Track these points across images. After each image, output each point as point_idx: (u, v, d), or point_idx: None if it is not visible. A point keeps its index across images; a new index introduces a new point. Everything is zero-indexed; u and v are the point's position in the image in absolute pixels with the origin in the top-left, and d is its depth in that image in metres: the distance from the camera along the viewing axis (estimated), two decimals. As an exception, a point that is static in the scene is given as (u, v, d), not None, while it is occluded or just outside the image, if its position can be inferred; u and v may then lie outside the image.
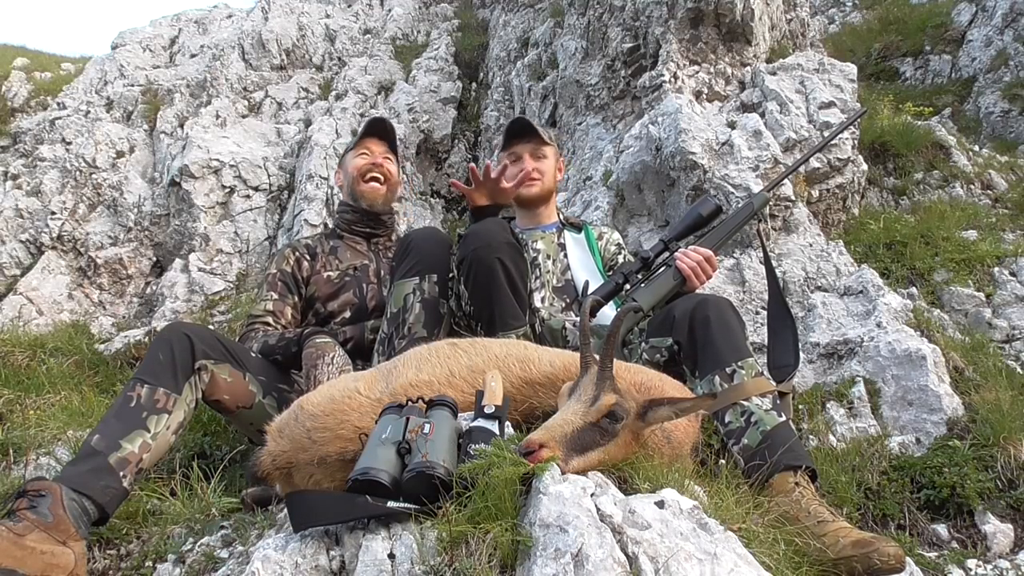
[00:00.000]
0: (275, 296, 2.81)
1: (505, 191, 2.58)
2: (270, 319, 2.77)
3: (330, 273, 2.89)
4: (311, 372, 2.35)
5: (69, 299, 6.03)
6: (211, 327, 4.17)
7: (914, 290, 3.71)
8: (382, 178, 3.00)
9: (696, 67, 4.81)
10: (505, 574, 1.29)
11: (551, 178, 2.92)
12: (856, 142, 4.31)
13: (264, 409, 2.40)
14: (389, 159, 3.04)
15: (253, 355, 2.54)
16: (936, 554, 2.22)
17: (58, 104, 8.04)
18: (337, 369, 2.36)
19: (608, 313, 2.49)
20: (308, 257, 2.93)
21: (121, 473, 1.97)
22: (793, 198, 3.94)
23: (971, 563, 2.14)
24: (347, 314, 2.82)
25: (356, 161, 3.02)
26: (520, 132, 2.90)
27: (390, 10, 9.36)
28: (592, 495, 1.39)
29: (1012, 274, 3.71)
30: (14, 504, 1.81)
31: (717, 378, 2.07)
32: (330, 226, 5.81)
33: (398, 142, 3.14)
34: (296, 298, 2.85)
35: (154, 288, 6.12)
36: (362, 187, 2.99)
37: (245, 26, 8.63)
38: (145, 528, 2.07)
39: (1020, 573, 2.10)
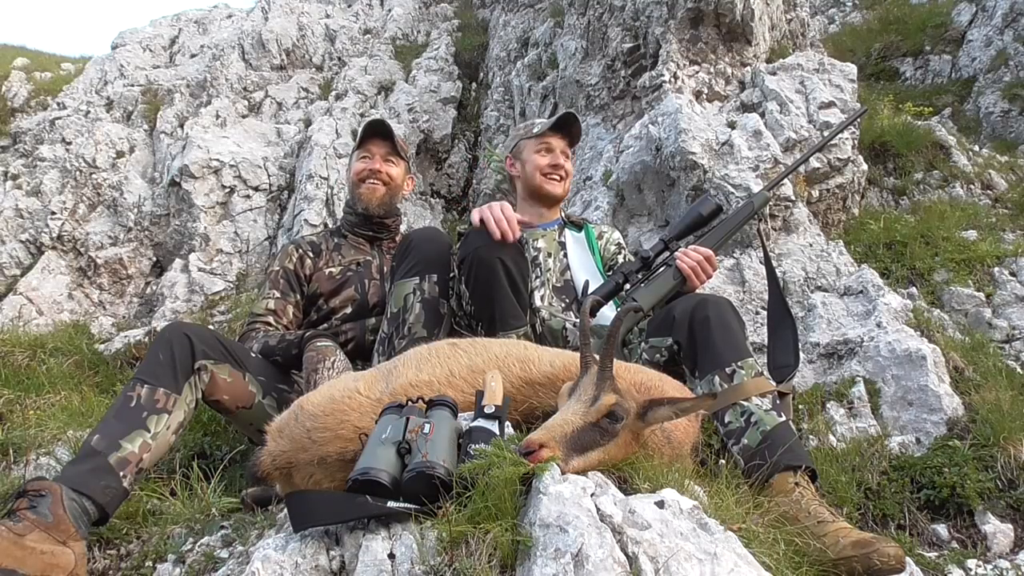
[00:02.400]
0: (277, 294, 2.81)
1: None
2: (271, 318, 2.76)
3: (332, 269, 2.88)
4: (311, 376, 2.34)
5: (69, 299, 6.03)
6: (211, 327, 4.17)
7: (914, 290, 3.71)
8: (380, 182, 2.99)
9: (696, 67, 4.81)
10: (505, 574, 1.29)
11: (570, 180, 2.95)
12: (856, 142, 4.30)
13: (264, 409, 2.40)
14: (391, 161, 3.01)
15: (253, 355, 2.54)
16: (936, 554, 2.22)
17: (58, 104, 8.04)
18: (338, 373, 2.36)
19: (608, 313, 2.49)
20: (311, 254, 2.92)
21: (121, 473, 1.97)
22: (793, 198, 3.94)
23: (971, 563, 2.14)
24: (348, 310, 2.82)
25: (356, 165, 3.01)
26: (565, 126, 2.86)
27: (390, 10, 9.36)
28: (592, 495, 1.39)
29: (1012, 274, 3.71)
30: (14, 504, 1.81)
31: (717, 378, 2.07)
32: (330, 226, 5.84)
33: (401, 141, 3.11)
34: (298, 296, 2.85)
35: (154, 288, 6.12)
36: (359, 189, 2.98)
37: (245, 26, 8.63)
38: (145, 528, 2.07)
39: (1020, 573, 2.10)
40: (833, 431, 2.78)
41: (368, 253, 2.98)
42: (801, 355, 2.95)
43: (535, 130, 2.90)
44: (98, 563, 1.98)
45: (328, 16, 9.07)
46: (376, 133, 3.01)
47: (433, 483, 1.41)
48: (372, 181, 2.97)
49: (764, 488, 1.84)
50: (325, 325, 2.80)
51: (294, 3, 9.00)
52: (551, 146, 2.85)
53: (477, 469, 1.40)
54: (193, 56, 8.71)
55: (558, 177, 2.84)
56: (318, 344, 2.47)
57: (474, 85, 7.87)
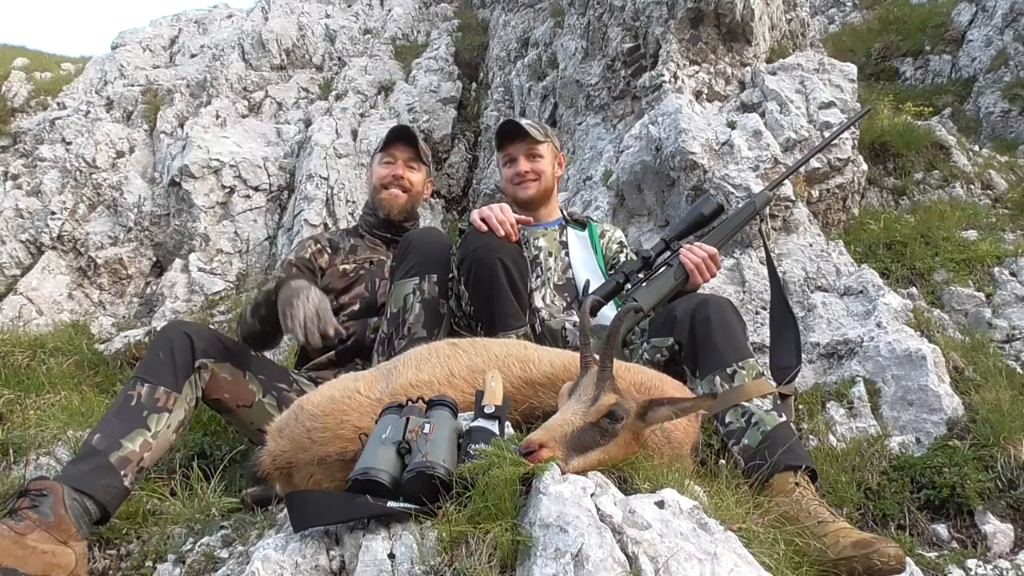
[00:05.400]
0: (282, 275, 2.83)
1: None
2: None
3: (346, 266, 2.90)
4: (287, 310, 2.33)
5: (69, 299, 6.03)
6: (211, 327, 4.17)
7: (914, 290, 3.71)
8: (401, 189, 2.99)
9: (696, 67, 4.81)
10: (505, 574, 1.29)
11: (549, 177, 2.87)
12: (856, 142, 4.30)
13: (264, 408, 2.40)
14: (412, 167, 3.02)
15: (253, 354, 2.54)
16: (936, 554, 2.22)
17: (58, 104, 8.04)
18: (313, 306, 2.33)
19: (608, 313, 2.49)
20: (329, 250, 2.94)
21: (122, 472, 1.97)
22: (793, 198, 3.94)
23: (971, 563, 2.14)
24: (356, 306, 2.82)
25: (380, 170, 3.01)
26: (510, 135, 2.85)
27: (390, 10, 9.36)
28: (592, 495, 1.39)
29: (1012, 274, 3.71)
30: (16, 503, 1.81)
31: (718, 378, 2.07)
32: (330, 226, 5.84)
33: (424, 146, 3.13)
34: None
35: (154, 288, 6.12)
36: (381, 195, 2.99)
37: (245, 26, 8.63)
38: (145, 528, 2.07)
39: (1020, 573, 2.10)
40: (833, 431, 2.78)
41: (383, 254, 2.99)
42: (802, 355, 2.95)
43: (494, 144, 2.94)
44: (98, 563, 1.99)
45: (328, 16, 9.07)
46: (400, 138, 3.02)
47: (433, 483, 1.41)
48: (394, 188, 2.98)
49: (764, 488, 1.84)
50: None
51: (294, 3, 9.01)
52: (512, 155, 2.86)
53: (477, 469, 1.40)
54: (193, 56, 8.71)
55: (527, 181, 2.83)
56: (292, 283, 2.46)
57: (474, 85, 7.87)
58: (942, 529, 2.34)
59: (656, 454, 1.69)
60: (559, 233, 2.86)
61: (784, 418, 2.02)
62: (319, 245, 2.94)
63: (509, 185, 2.88)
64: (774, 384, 2.16)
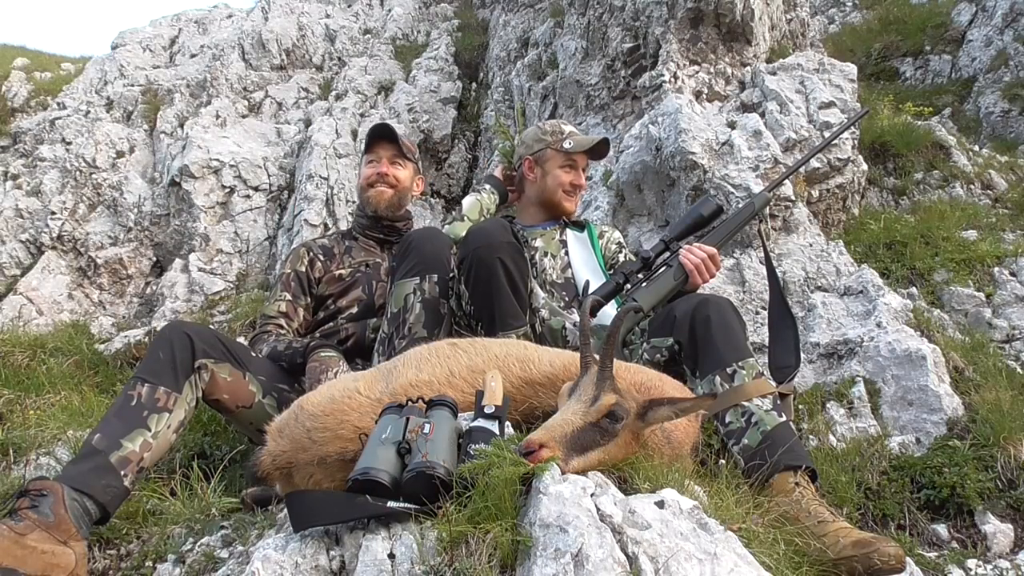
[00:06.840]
0: (288, 297, 2.85)
1: None
2: (283, 321, 2.81)
3: (342, 271, 2.92)
4: (314, 386, 2.37)
5: (69, 299, 6.03)
6: (211, 327, 4.17)
7: (914, 290, 3.71)
8: (387, 185, 2.99)
9: (696, 67, 4.81)
10: (505, 574, 1.29)
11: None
12: (856, 142, 4.30)
13: (264, 409, 2.41)
14: (398, 164, 3.03)
15: (254, 355, 2.54)
16: (936, 554, 2.22)
17: (58, 104, 8.03)
18: None
19: (609, 313, 2.49)
20: (322, 257, 2.95)
21: (122, 472, 1.97)
22: (793, 198, 3.93)
23: (971, 563, 2.14)
24: (354, 310, 2.84)
25: (365, 170, 3.04)
26: (596, 153, 2.88)
27: (390, 10, 9.35)
28: (592, 495, 1.39)
29: (1012, 274, 3.71)
30: (16, 503, 1.81)
31: (718, 378, 2.07)
32: (330, 227, 5.85)
33: (409, 143, 3.13)
34: (308, 299, 2.90)
35: (154, 288, 6.12)
36: (368, 193, 3.01)
37: (245, 26, 8.63)
38: (145, 528, 2.07)
39: (1020, 573, 2.10)
40: (833, 431, 2.78)
41: (378, 255, 3.00)
42: (802, 355, 2.94)
43: (566, 145, 2.84)
44: (98, 563, 1.98)
45: (328, 16, 9.06)
46: (381, 136, 3.03)
47: (433, 483, 1.41)
48: (380, 185, 2.98)
49: (764, 488, 1.84)
50: (331, 324, 2.82)
51: (294, 3, 9.00)
52: (576, 164, 2.87)
53: (477, 469, 1.40)
54: (193, 56, 8.71)
55: (575, 194, 2.89)
56: (321, 354, 2.49)
57: (474, 85, 7.87)
58: (942, 529, 2.34)
59: (656, 454, 1.69)
60: (559, 233, 2.87)
61: (784, 418, 2.02)
62: (311, 254, 2.95)
63: (559, 191, 2.89)
64: (774, 384, 2.16)
